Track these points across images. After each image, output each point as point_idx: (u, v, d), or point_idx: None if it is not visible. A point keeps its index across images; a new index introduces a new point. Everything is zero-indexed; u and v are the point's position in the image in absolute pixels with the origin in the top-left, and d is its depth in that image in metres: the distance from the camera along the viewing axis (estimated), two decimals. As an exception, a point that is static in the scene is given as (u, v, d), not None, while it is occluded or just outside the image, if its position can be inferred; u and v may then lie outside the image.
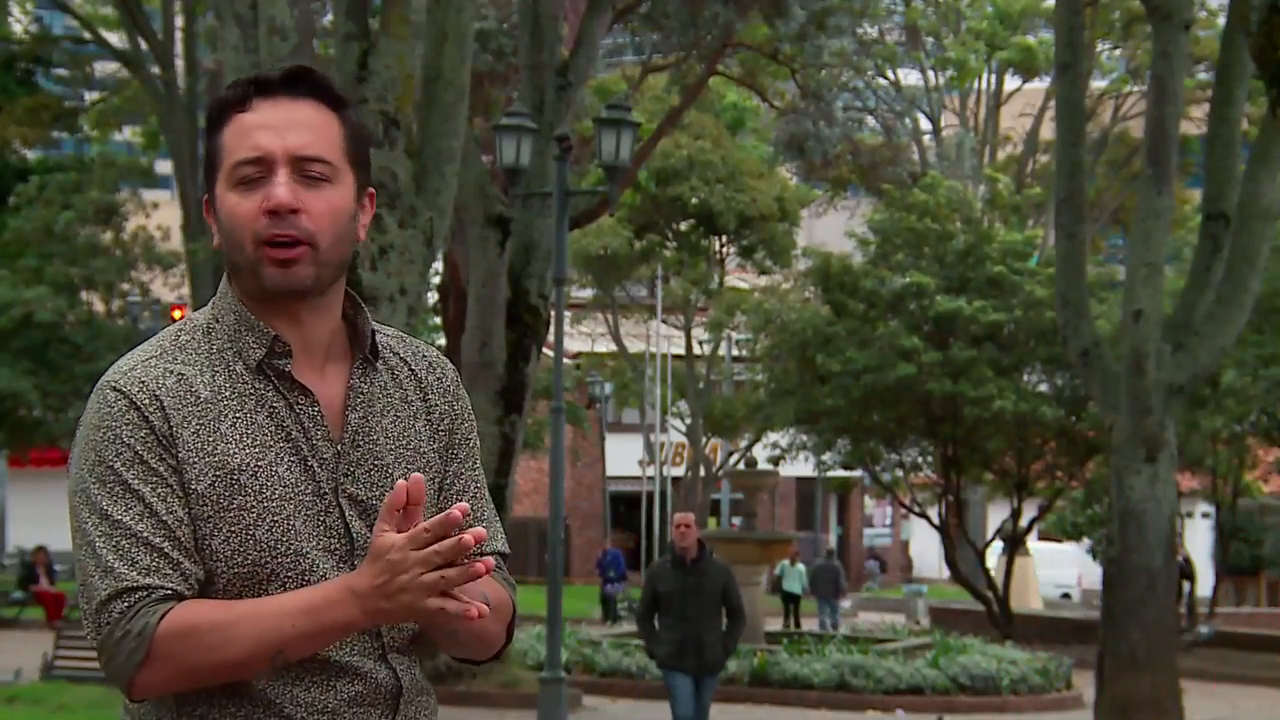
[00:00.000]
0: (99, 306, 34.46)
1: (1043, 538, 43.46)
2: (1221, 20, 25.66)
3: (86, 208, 33.17)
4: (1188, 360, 17.06)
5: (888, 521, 57.61)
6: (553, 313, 19.54)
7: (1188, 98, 26.91)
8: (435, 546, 2.26)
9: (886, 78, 43.62)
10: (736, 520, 33.05)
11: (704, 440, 45.24)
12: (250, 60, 15.02)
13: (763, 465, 32.67)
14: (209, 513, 2.40)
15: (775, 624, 28.68)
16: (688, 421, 45.68)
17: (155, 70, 32.50)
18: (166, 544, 2.37)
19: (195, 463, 2.41)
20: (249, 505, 2.41)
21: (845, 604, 35.36)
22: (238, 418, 2.44)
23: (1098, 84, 42.53)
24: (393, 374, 2.60)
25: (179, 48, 33.06)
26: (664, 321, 43.78)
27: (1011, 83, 46.84)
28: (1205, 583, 33.34)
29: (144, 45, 32.46)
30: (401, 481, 2.30)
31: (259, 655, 2.34)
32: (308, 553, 2.43)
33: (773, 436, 34.64)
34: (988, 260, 28.42)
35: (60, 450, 33.63)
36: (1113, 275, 30.59)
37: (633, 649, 21.98)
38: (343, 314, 2.57)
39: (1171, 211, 18.22)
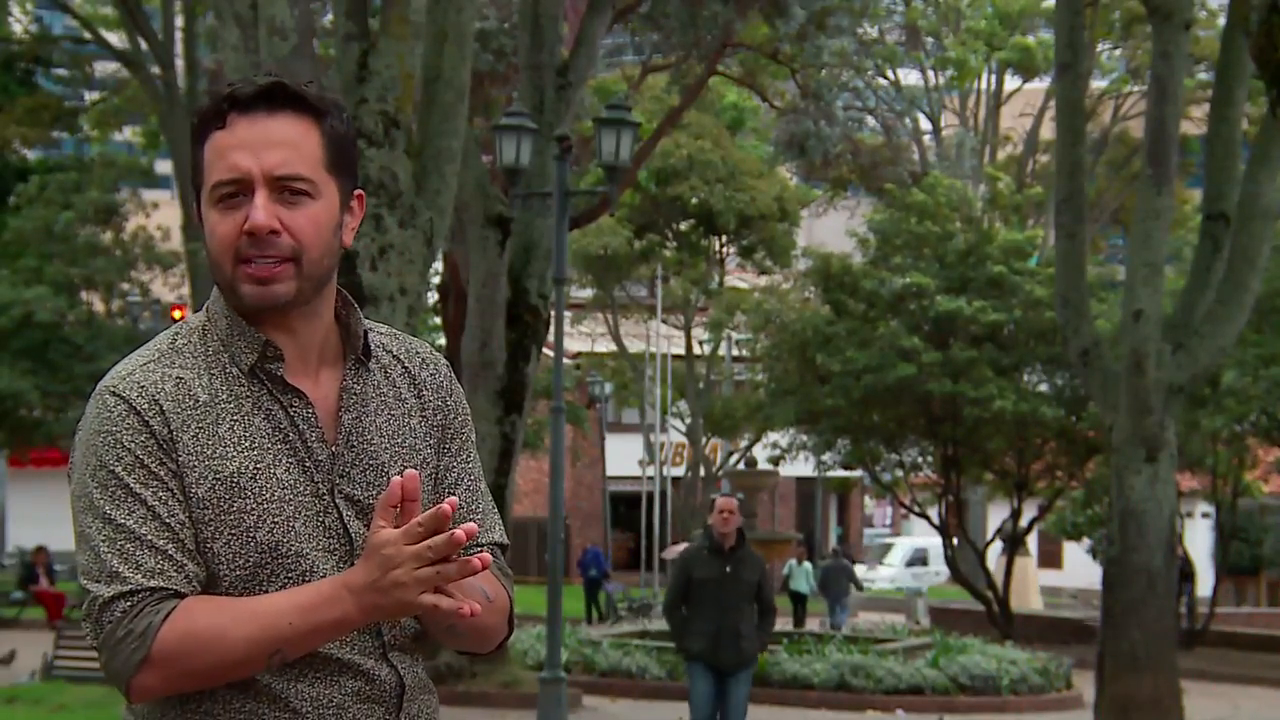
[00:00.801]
0: (99, 306, 34.47)
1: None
2: (1221, 20, 25.65)
3: (86, 208, 33.17)
4: (1188, 360, 17.06)
5: (888, 521, 57.62)
6: (553, 313, 19.54)
7: (1188, 98, 26.93)
8: (428, 542, 2.27)
9: (886, 78, 43.61)
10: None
11: (704, 440, 45.26)
12: (250, 60, 15.02)
13: (763, 465, 32.74)
14: (210, 516, 2.41)
15: (783, 623, 28.63)
16: (688, 421, 45.70)
17: (155, 70, 32.49)
18: (170, 546, 2.38)
19: (195, 466, 2.42)
20: (249, 508, 2.42)
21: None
22: (235, 421, 2.45)
23: (1098, 84, 42.51)
24: (386, 372, 2.61)
25: (179, 48, 33.04)
26: (664, 321, 43.79)
27: (1011, 83, 46.84)
28: (1205, 583, 33.32)
29: (144, 45, 32.45)
30: (396, 478, 2.31)
31: (257, 655, 2.35)
32: (308, 554, 2.45)
33: (773, 436, 34.66)
34: (988, 260, 28.42)
35: (60, 450, 33.63)
36: (1113, 275, 30.60)
37: (633, 649, 21.97)
38: (335, 315, 2.58)
39: (1171, 211, 18.22)
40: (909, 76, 46.76)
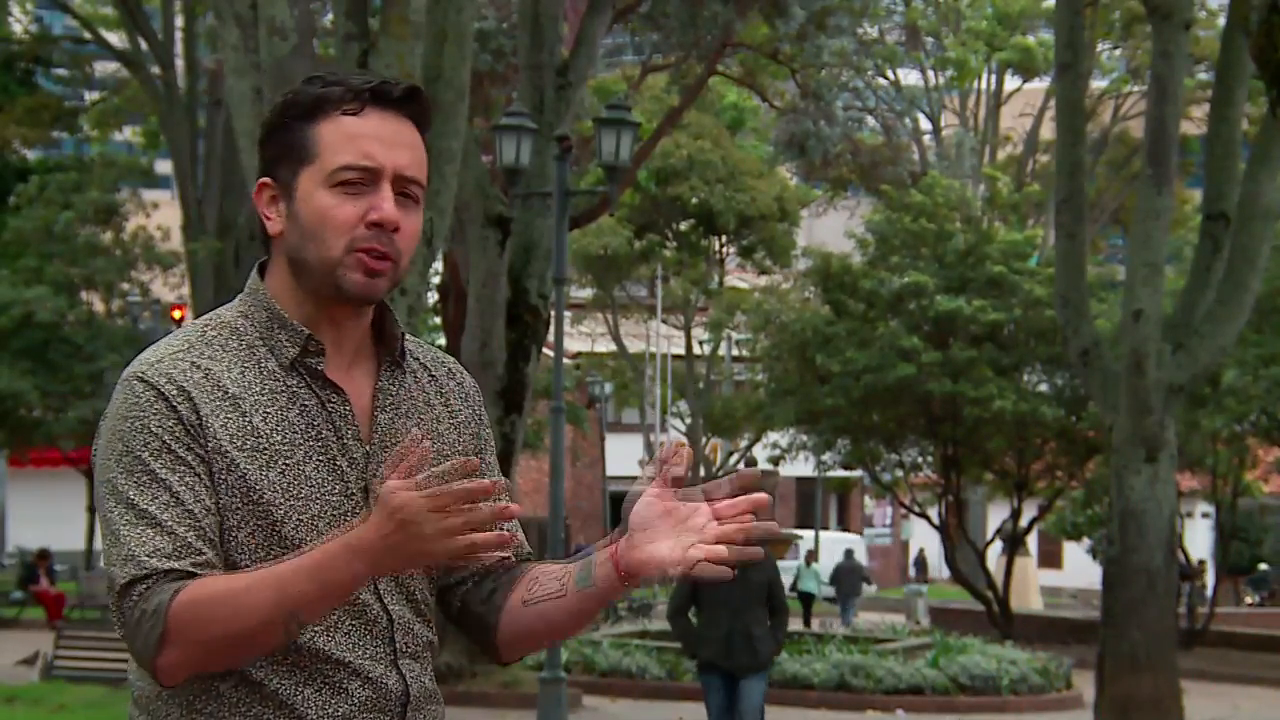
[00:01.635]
0: (99, 306, 34.44)
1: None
2: (1221, 20, 25.66)
3: (86, 208, 33.14)
4: (1188, 360, 17.06)
5: (888, 521, 57.61)
6: (553, 313, 19.54)
7: (1188, 98, 26.93)
8: (456, 486, 2.23)
9: (886, 78, 43.61)
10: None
11: (704, 440, 45.25)
12: (250, 60, 15.02)
13: (763, 465, 32.69)
14: (237, 505, 2.41)
15: (792, 623, 28.61)
16: (688, 421, 45.70)
17: (155, 70, 32.49)
18: (190, 533, 2.37)
19: (227, 453, 2.41)
20: (277, 503, 2.42)
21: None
22: (268, 413, 2.45)
23: (1098, 84, 42.51)
24: (416, 377, 2.63)
25: (179, 48, 33.06)
26: (664, 321, 43.80)
27: (1011, 83, 46.84)
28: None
29: (144, 45, 32.45)
30: (420, 436, 2.28)
31: (274, 620, 2.31)
32: None
33: (773, 436, 34.65)
34: (987, 260, 28.42)
35: (60, 450, 33.67)
36: (1113, 275, 30.60)
37: (633, 649, 21.97)
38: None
39: (1171, 211, 18.22)
40: (909, 76, 46.77)
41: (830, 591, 33.90)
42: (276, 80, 14.55)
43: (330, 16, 21.28)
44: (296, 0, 15.31)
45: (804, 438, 31.01)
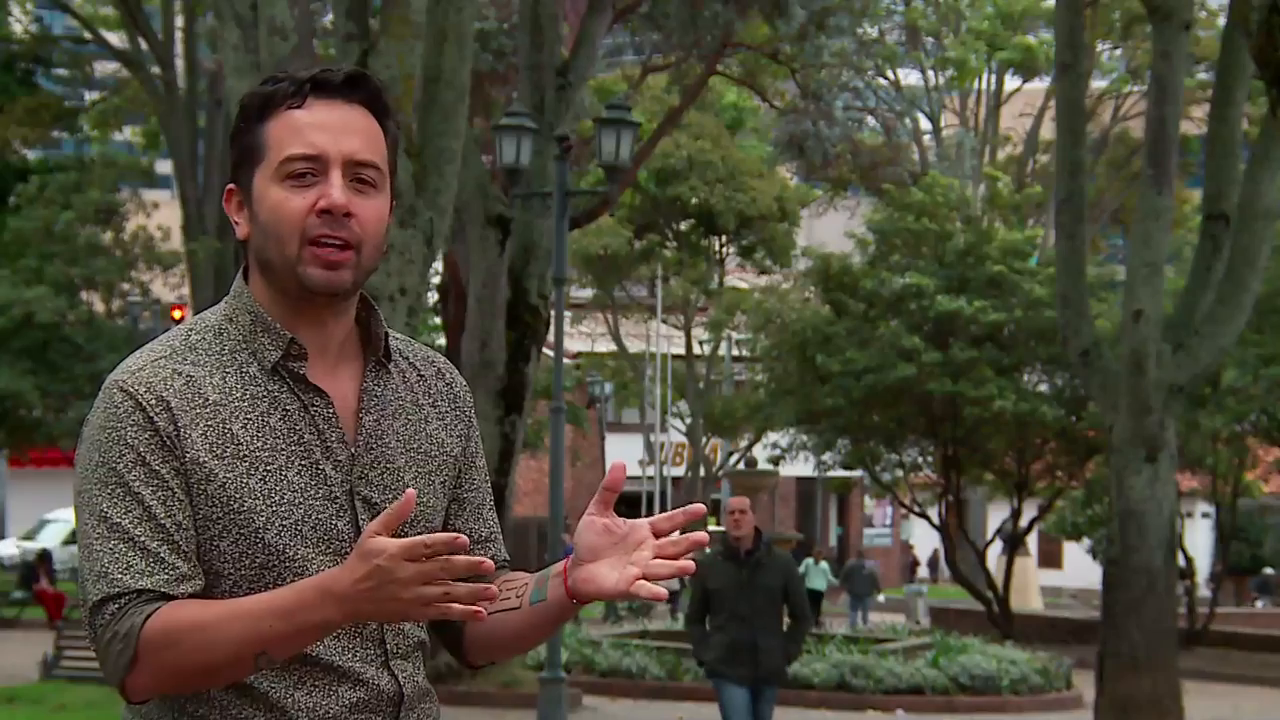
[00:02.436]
0: (99, 306, 34.45)
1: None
2: (1221, 20, 25.66)
3: (86, 208, 33.16)
4: (1188, 360, 17.06)
5: (888, 521, 57.59)
6: (553, 313, 19.54)
7: (1188, 98, 26.91)
8: (445, 559, 2.21)
9: (886, 78, 43.61)
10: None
11: (704, 440, 45.24)
12: (250, 60, 15.02)
13: (763, 465, 32.68)
14: (218, 514, 2.39)
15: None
16: (688, 421, 45.68)
17: (155, 70, 32.51)
18: (164, 549, 2.35)
19: (205, 463, 2.39)
20: (259, 509, 2.40)
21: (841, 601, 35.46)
22: (249, 419, 2.43)
23: (1098, 84, 42.50)
24: (404, 376, 2.60)
25: (179, 48, 33.07)
26: (664, 321, 43.79)
27: (1011, 83, 46.83)
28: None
29: (144, 45, 32.47)
30: (411, 490, 2.27)
31: (242, 656, 2.31)
32: (314, 558, 2.42)
33: (773, 436, 34.64)
34: (988, 260, 28.41)
35: (60, 450, 33.66)
36: (1113, 275, 30.58)
37: (633, 649, 21.97)
38: (354, 315, 2.57)
39: (1171, 211, 18.21)
40: (909, 76, 46.76)
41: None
42: (276, 80, 14.53)
43: (330, 16, 21.27)
44: (296, 0, 15.31)
45: (804, 438, 31.00)
